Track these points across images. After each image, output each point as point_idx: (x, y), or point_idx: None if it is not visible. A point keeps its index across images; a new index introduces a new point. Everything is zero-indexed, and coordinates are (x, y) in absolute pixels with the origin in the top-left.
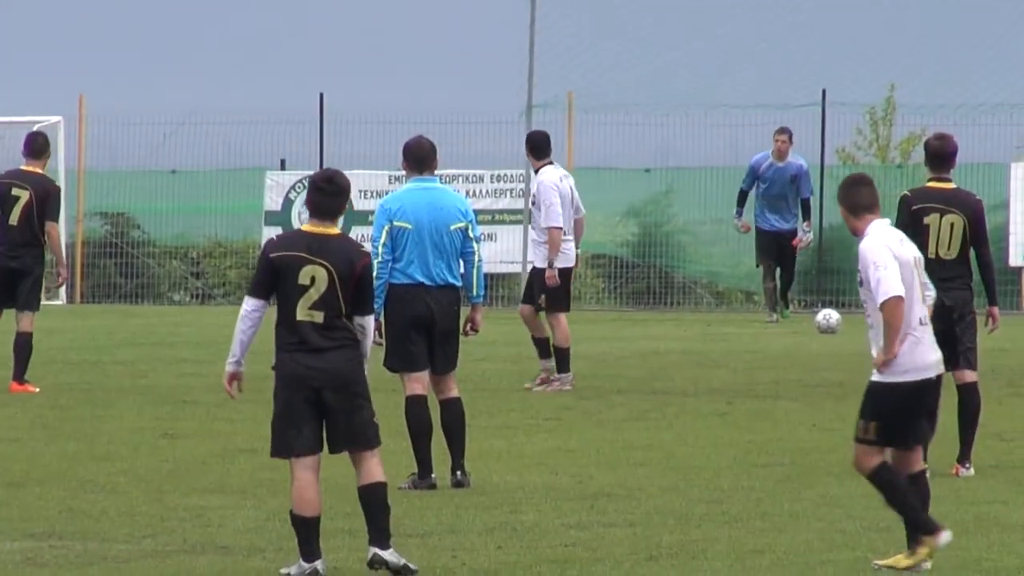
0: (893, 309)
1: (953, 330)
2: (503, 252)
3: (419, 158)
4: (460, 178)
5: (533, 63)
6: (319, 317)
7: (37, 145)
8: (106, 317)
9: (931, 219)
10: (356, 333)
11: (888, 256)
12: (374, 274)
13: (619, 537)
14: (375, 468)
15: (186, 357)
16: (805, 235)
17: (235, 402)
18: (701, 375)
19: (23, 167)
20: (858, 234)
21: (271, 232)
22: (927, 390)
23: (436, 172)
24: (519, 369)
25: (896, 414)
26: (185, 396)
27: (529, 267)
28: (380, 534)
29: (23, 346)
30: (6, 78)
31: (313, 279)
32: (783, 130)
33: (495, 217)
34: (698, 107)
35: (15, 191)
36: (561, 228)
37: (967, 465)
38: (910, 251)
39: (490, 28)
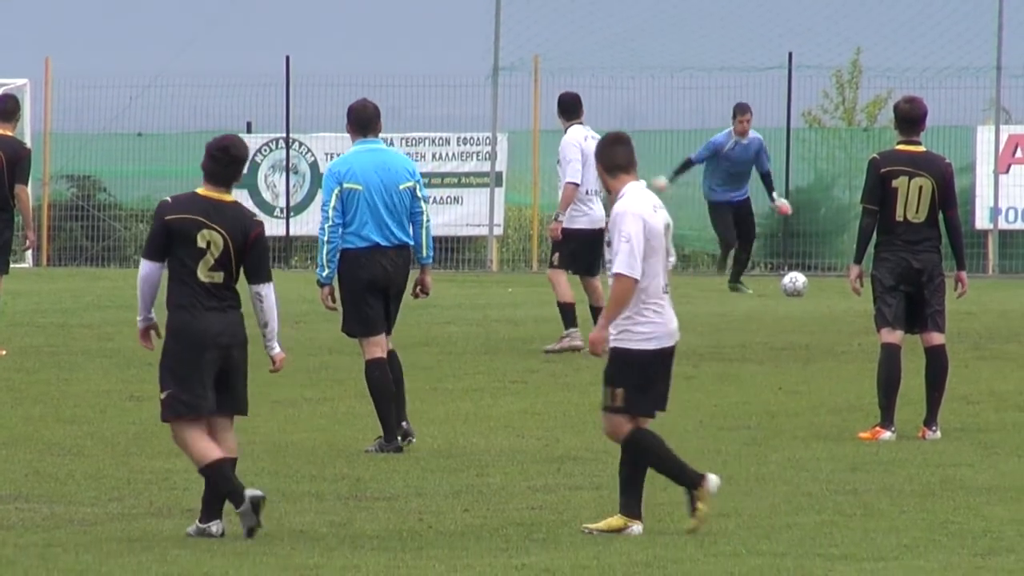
0: (622, 286)
1: (922, 293)
2: (469, 215)
3: (363, 121)
4: (426, 140)
5: (499, 26)
6: (219, 278)
7: (8, 108)
8: (72, 280)
9: (899, 182)
10: (253, 300)
11: (638, 228)
12: (324, 238)
13: (585, 500)
14: (234, 441)
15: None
16: (781, 202)
17: None
18: None
19: None
20: (613, 193)
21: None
22: (668, 357)
23: (382, 134)
24: (485, 332)
25: (642, 380)
26: (151, 359)
27: (497, 231)
28: (219, 508)
29: None
30: None
31: (209, 243)
32: (746, 109)
33: (461, 180)
34: (664, 70)
35: None
36: (575, 184)
37: (934, 428)
38: (662, 218)
39: None
